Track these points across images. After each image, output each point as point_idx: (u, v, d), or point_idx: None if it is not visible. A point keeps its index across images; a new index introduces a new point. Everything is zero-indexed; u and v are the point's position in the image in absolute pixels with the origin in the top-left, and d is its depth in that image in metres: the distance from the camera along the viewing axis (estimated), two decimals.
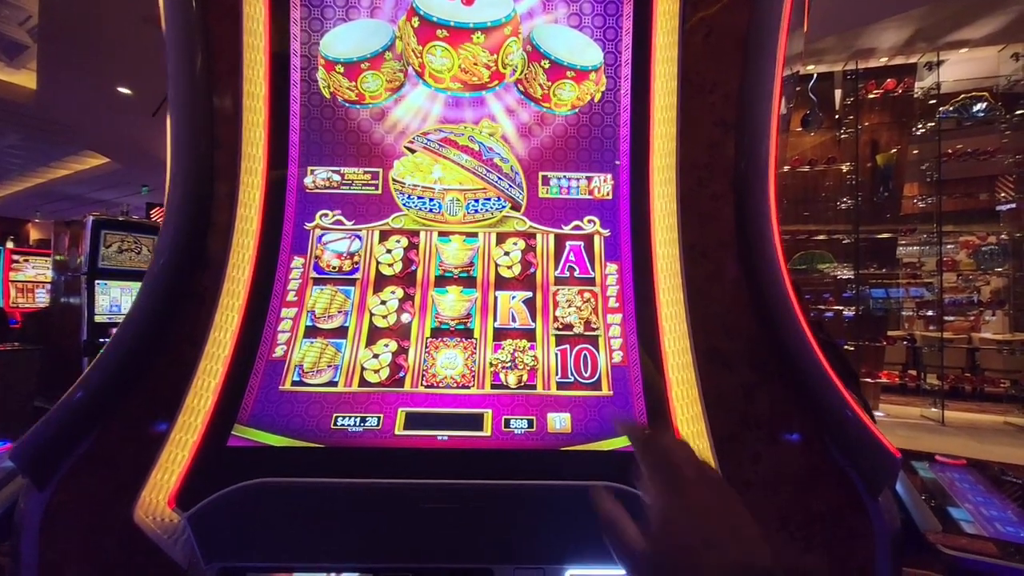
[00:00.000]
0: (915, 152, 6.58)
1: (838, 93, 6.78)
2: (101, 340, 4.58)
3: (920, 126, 6.29)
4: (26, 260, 8.83)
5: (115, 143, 10.19)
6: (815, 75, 6.50)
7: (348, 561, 0.83)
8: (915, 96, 6.34)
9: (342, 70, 1.14)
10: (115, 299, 4.82)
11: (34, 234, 16.36)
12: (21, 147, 10.57)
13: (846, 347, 6.13)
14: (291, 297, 1.05)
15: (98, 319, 4.65)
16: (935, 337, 6.40)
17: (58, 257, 5.17)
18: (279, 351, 1.00)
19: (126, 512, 0.83)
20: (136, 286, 5.01)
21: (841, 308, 6.50)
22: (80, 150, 10.94)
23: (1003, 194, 6.61)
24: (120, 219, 5.00)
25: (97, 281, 4.69)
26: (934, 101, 6.15)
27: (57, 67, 6.97)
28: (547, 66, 1.14)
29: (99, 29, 5.85)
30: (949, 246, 6.59)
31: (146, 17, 5.18)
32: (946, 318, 6.51)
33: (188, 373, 0.95)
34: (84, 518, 1.08)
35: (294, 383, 0.97)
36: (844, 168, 6.53)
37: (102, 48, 6.31)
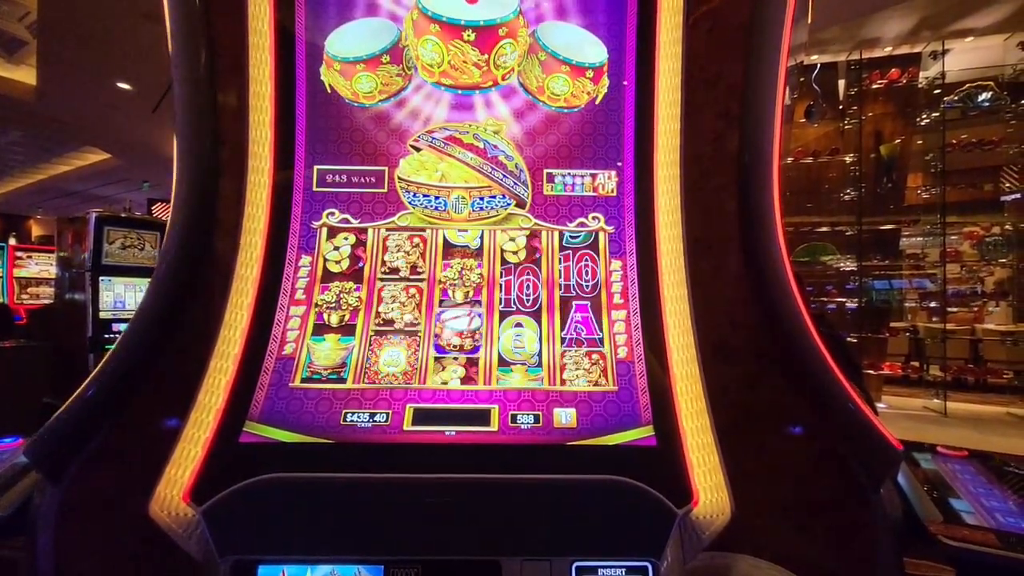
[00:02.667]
0: (919, 142, 6.53)
1: (842, 83, 6.73)
2: (106, 336, 4.60)
3: (924, 116, 6.25)
4: (29, 256, 8.85)
5: (115, 139, 10.20)
6: (818, 65, 6.46)
7: (358, 553, 0.84)
8: (919, 86, 6.29)
9: (339, 68, 1.15)
10: (119, 295, 4.84)
11: (36, 230, 16.38)
12: (22, 143, 10.58)
13: (849, 339, 6.13)
14: (300, 295, 1.06)
15: (103, 315, 4.66)
16: (938, 328, 6.39)
17: (62, 253, 5.18)
18: (289, 348, 1.01)
19: (140, 506, 0.85)
20: (140, 282, 5.03)
21: (844, 300, 6.49)
22: (81, 146, 10.94)
23: (1008, 184, 6.57)
24: (123, 215, 5.00)
25: (101, 277, 4.70)
26: (939, 91, 6.10)
27: (56, 63, 6.97)
28: (543, 58, 1.14)
29: (98, 24, 5.84)
30: (952, 237, 6.56)
31: (148, 14, 5.16)
32: (949, 309, 6.49)
33: (199, 370, 0.97)
34: (98, 512, 1.10)
35: (304, 380, 0.98)
36: (847, 159, 6.49)
37: (101, 43, 6.30)
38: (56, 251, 5.37)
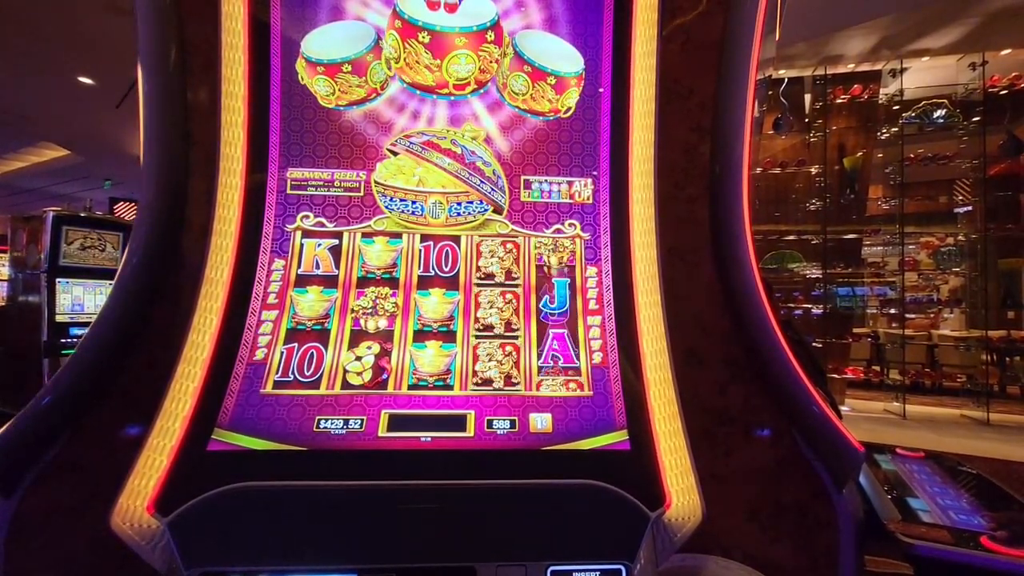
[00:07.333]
0: (880, 156, 6.82)
1: (808, 97, 6.98)
2: (63, 341, 4.41)
3: (884, 131, 6.52)
4: None
5: (76, 135, 9.77)
6: (786, 79, 6.67)
7: (331, 562, 0.83)
8: (880, 102, 6.56)
9: (303, 65, 1.14)
10: (78, 298, 4.64)
11: None
12: None
13: (814, 344, 6.33)
14: (272, 299, 1.04)
15: (59, 319, 4.47)
16: (897, 334, 6.66)
17: (15, 254, 4.93)
18: (260, 354, 0.99)
19: (100, 518, 0.82)
20: (100, 285, 4.81)
21: (810, 306, 6.71)
22: (37, 141, 10.45)
23: (960, 197, 6.91)
24: (83, 215, 4.80)
25: (58, 279, 4.50)
26: (897, 107, 6.38)
27: (12, 54, 6.64)
28: (511, 57, 1.16)
29: (57, 15, 5.59)
30: (910, 246, 6.86)
31: (110, 5, 4.98)
32: (907, 316, 6.77)
33: (165, 376, 0.94)
34: (55, 525, 1.06)
35: (275, 386, 0.96)
36: (813, 170, 6.72)
37: (61, 35, 6.04)
38: (9, 251, 5.11)
